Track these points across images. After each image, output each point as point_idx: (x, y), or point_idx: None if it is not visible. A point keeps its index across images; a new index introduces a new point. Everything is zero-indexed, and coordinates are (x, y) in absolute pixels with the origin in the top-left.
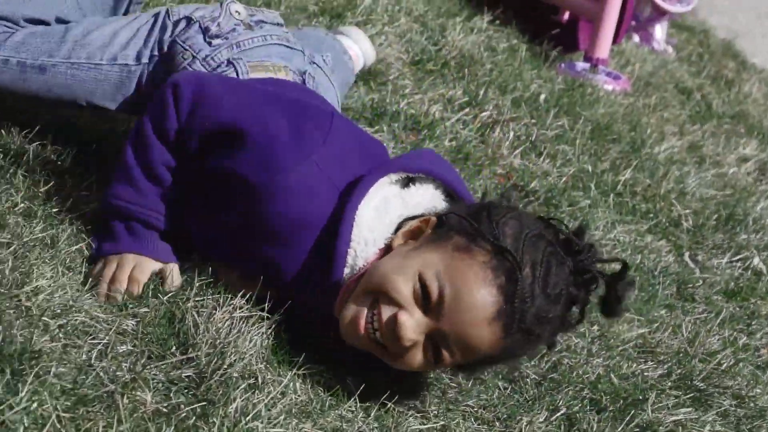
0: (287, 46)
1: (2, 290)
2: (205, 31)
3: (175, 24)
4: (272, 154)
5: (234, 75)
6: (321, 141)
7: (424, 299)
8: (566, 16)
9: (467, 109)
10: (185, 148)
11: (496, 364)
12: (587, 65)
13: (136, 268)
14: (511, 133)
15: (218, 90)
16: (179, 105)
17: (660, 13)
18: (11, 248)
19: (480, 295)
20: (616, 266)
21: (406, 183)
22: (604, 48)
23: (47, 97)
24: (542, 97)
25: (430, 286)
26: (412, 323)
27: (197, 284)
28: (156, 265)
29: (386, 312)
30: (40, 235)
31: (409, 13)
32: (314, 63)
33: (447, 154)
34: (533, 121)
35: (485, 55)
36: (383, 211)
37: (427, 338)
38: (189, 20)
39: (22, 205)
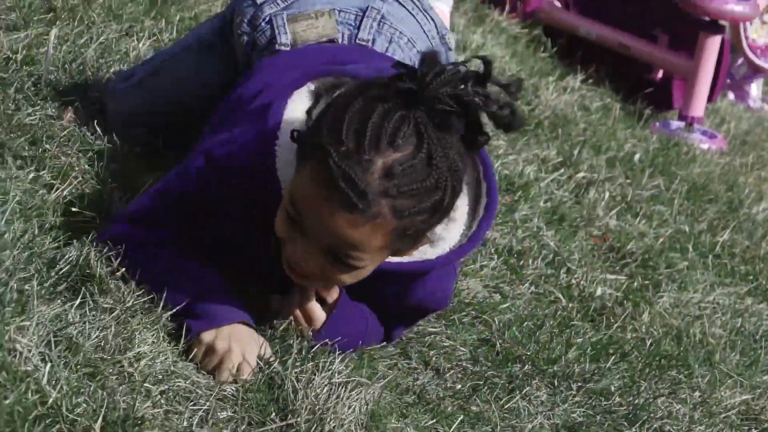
0: None
1: (106, 356)
2: None
3: None
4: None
5: (269, 33)
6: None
7: (295, 225)
8: (660, 74)
9: (562, 170)
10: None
11: (412, 234)
12: (682, 124)
13: (237, 353)
14: (606, 194)
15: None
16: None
17: (755, 71)
18: (114, 313)
19: (315, 198)
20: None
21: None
22: (699, 106)
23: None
24: (637, 156)
25: (290, 212)
26: (298, 250)
27: (296, 349)
28: (254, 348)
29: (285, 251)
30: (140, 300)
31: (502, 72)
32: None
33: (542, 215)
34: (628, 181)
35: (579, 114)
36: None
37: (325, 252)
38: None
39: (123, 269)
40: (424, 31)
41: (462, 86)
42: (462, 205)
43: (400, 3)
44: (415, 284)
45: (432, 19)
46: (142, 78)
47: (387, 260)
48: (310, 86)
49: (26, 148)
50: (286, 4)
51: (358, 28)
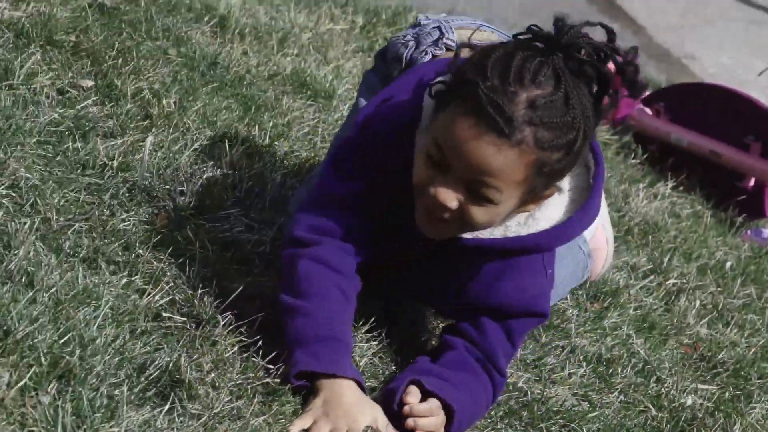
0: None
1: None
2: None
3: None
4: None
5: (437, 34)
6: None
7: (435, 167)
8: (752, 182)
9: (652, 277)
10: None
11: (547, 173)
12: None
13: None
14: (697, 302)
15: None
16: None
17: None
18: (202, 419)
19: (461, 128)
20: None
21: None
22: None
23: None
24: (728, 264)
25: (432, 153)
26: (439, 188)
27: None
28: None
29: (426, 196)
30: (228, 406)
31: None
32: None
33: (632, 322)
34: (719, 289)
35: (669, 221)
36: None
37: (469, 193)
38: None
39: (212, 375)
40: None
41: (594, 41)
42: (562, 194)
43: None
44: (501, 275)
45: None
46: None
47: (480, 236)
48: (459, 53)
49: (119, 253)
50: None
51: None
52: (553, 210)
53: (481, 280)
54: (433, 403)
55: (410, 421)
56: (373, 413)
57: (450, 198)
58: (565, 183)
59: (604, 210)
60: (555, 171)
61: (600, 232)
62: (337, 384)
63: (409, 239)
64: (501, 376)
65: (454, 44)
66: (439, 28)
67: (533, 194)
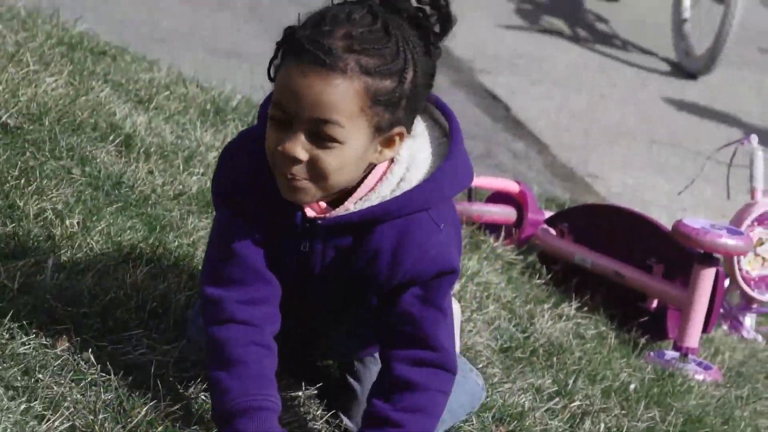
0: None
1: None
2: None
3: None
4: None
5: None
6: None
7: (281, 127)
8: (655, 303)
9: (556, 399)
10: None
11: (384, 102)
12: (677, 354)
13: None
14: (602, 425)
15: None
16: None
17: (749, 302)
18: None
19: (288, 74)
20: None
21: None
22: (693, 337)
23: None
24: (632, 386)
25: (274, 115)
26: (288, 144)
27: None
28: None
29: (277, 158)
30: None
31: (497, 299)
32: None
33: None
34: (623, 412)
35: (574, 342)
36: None
37: (308, 137)
38: None
39: None
40: None
41: None
42: (425, 155)
43: None
44: (398, 248)
45: None
46: None
47: (363, 206)
48: None
49: (18, 378)
50: None
51: None
52: (420, 171)
53: (382, 259)
54: None
55: None
56: None
57: (295, 148)
58: (420, 128)
59: None
60: (393, 101)
61: None
62: None
63: (293, 235)
64: (447, 358)
65: None
66: None
67: (380, 131)
